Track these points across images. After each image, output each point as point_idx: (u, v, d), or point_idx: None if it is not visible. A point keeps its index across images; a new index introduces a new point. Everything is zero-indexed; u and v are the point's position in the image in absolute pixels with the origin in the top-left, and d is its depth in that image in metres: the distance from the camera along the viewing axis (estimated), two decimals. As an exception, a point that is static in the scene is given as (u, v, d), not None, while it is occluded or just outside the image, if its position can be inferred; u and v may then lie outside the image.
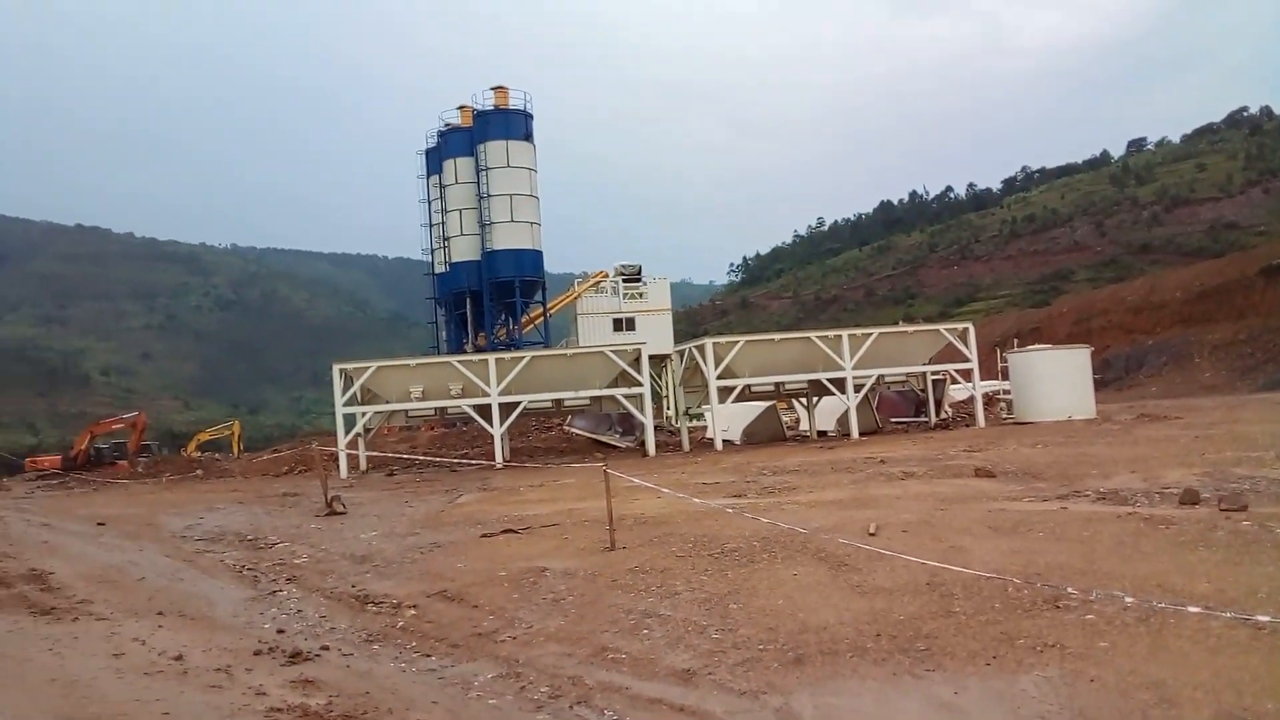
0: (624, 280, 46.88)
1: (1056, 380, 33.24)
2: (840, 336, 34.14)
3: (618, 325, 45.82)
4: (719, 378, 32.98)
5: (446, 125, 53.77)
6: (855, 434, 33.35)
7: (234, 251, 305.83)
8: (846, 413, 34.26)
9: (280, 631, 9.61)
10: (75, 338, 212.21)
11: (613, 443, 37.99)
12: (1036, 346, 39.39)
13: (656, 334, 43.44)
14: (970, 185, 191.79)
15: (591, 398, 34.05)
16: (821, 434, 37.60)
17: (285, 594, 11.50)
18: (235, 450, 61.15)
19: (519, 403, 32.36)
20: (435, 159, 54.07)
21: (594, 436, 38.94)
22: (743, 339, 34.42)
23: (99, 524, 19.99)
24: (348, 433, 32.92)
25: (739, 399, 34.75)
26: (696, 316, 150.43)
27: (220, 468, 42.86)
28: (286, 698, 7.42)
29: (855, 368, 33.60)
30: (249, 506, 22.66)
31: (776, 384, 35.63)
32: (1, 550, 16.36)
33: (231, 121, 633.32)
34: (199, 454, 58.62)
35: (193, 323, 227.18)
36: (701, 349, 33.82)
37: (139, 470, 46.28)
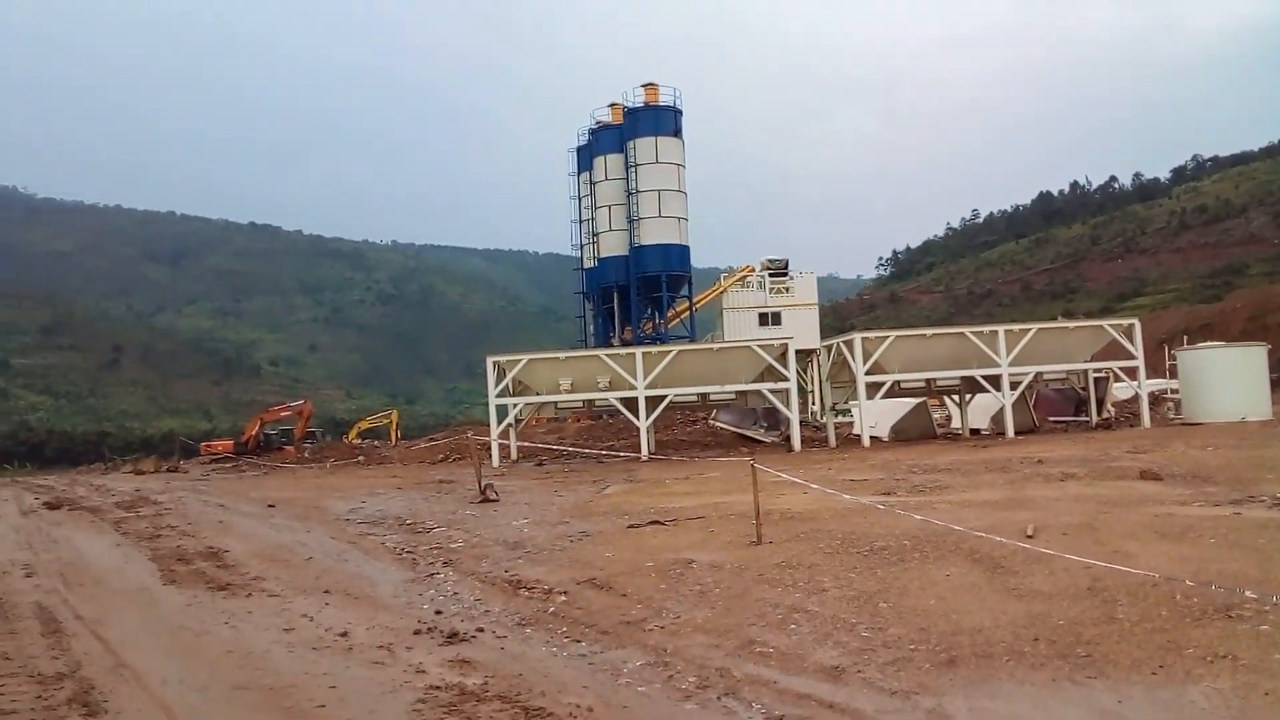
0: (770, 275, 46.48)
1: (1230, 379, 31.43)
2: (996, 332, 33.12)
3: (763, 320, 45.46)
4: (867, 373, 32.44)
5: (597, 123, 54.47)
6: (1010, 433, 32.31)
7: (394, 248, 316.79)
8: (1001, 411, 33.22)
9: (438, 613, 9.95)
10: (248, 329, 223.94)
11: (758, 437, 37.81)
12: (1209, 344, 37.33)
13: (802, 329, 42.94)
14: (1136, 175, 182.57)
15: (737, 392, 33.96)
16: (974, 432, 36.55)
17: (442, 577, 11.89)
18: (393, 438, 63.40)
19: (665, 396, 32.53)
20: (586, 156, 54.82)
21: (739, 431, 38.81)
22: (893, 334, 33.75)
23: (269, 506, 21.09)
24: (500, 423, 33.73)
25: (887, 395, 34.11)
26: (843, 311, 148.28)
27: (380, 455, 44.54)
28: (445, 676, 7.69)
29: (1012, 364, 32.54)
30: (407, 492, 23.50)
31: (927, 380, 34.82)
32: (181, 529, 17.46)
33: (392, 127, 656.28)
34: (360, 441, 61.02)
35: (355, 316, 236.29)
36: (850, 344, 33.34)
37: (304, 455, 48.55)
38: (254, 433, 56.21)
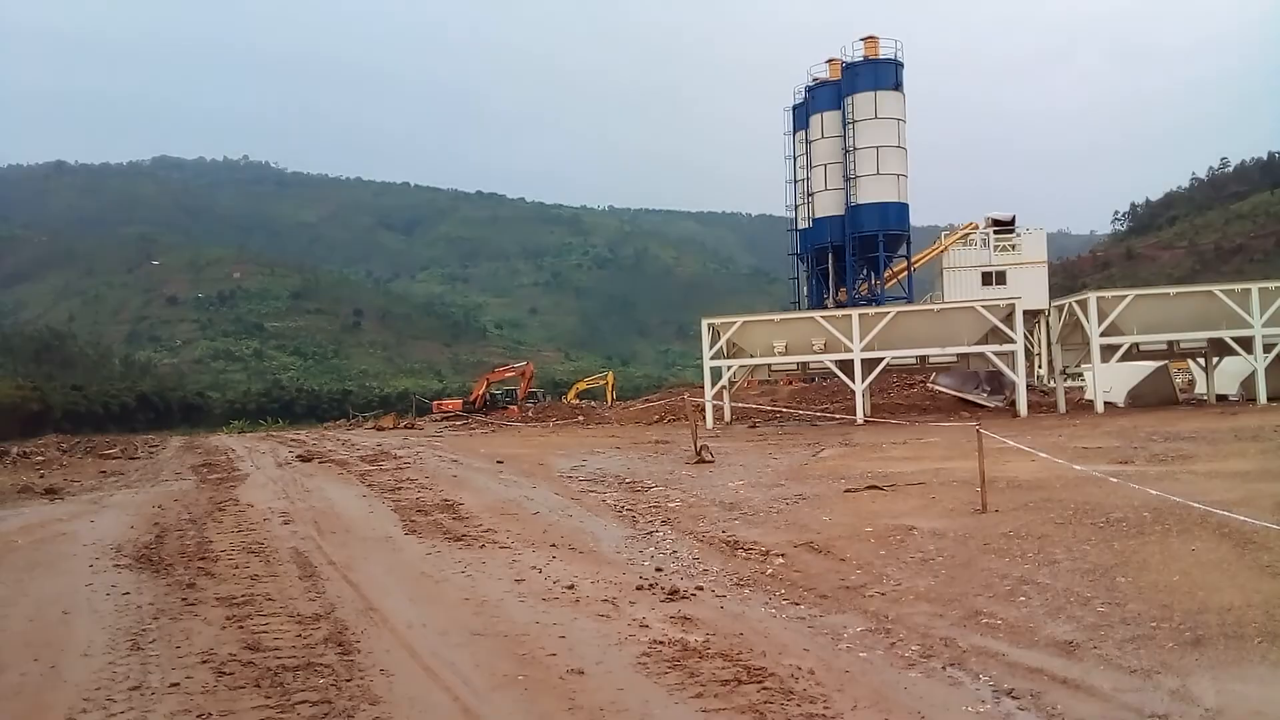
0: (995, 232, 44.60)
1: None
2: (1249, 290, 30.65)
3: (986, 279, 43.76)
4: (1102, 335, 30.74)
5: (814, 80, 53.52)
6: (1263, 399, 29.88)
7: (610, 213, 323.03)
8: (1253, 375, 30.75)
9: (658, 570, 10.18)
10: (475, 294, 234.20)
11: (980, 402, 36.54)
12: None
13: (1030, 288, 41.10)
14: None
15: (959, 354, 32.97)
16: (1221, 398, 34.03)
17: (661, 535, 12.14)
18: (609, 399, 64.89)
19: (882, 359, 31.91)
20: (802, 115, 54.03)
21: (960, 395, 37.61)
22: (1132, 292, 31.78)
23: (498, 462, 22.08)
24: (713, 385, 33.99)
25: (1124, 358, 32.22)
26: (1074, 269, 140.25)
27: (598, 415, 45.73)
28: (667, 631, 7.87)
29: (1267, 325, 30.03)
30: (625, 452, 24.07)
31: (1170, 343, 32.66)
32: (419, 482, 18.53)
33: (610, 90, 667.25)
34: (578, 401, 62.81)
35: (573, 280, 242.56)
36: (1083, 304, 31.71)
37: (527, 415, 50.39)
38: (481, 392, 58.74)
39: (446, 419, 54.58)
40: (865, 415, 31.86)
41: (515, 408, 56.51)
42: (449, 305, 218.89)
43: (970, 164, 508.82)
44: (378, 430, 45.70)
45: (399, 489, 17.52)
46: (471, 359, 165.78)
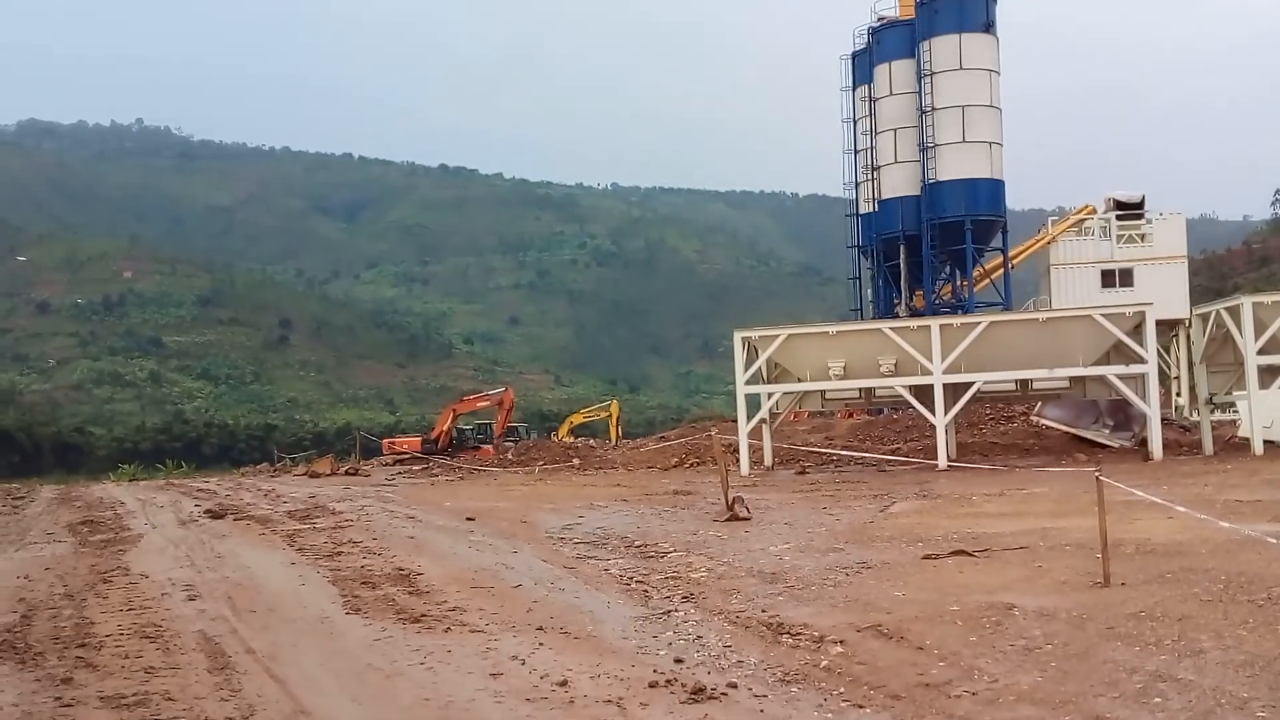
0: (1118, 217, 44.58)
1: None
2: None
3: (1108, 280, 43.66)
4: (1260, 352, 30.71)
5: (879, 19, 53.81)
6: None
7: (614, 193, 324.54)
8: None
9: (678, 660, 10.16)
10: (437, 299, 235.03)
11: (1100, 440, 36.54)
12: None
13: (1165, 291, 40.95)
14: None
15: (1071, 378, 33.00)
16: None
17: (681, 614, 12.12)
18: (613, 436, 64.80)
19: (971, 384, 31.90)
20: (864, 65, 54.31)
21: (1073, 431, 37.62)
22: (1298, 297, 31.80)
23: (468, 519, 22.08)
24: (750, 418, 33.96)
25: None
26: (1222, 266, 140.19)
27: (599, 457, 45.72)
28: (690, 744, 7.86)
29: None
30: (634, 505, 24.07)
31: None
32: (365, 545, 18.55)
33: (616, 29, 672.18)
34: (573, 439, 62.79)
35: (566, 280, 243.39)
36: (1235, 311, 31.74)
37: (506, 456, 50.42)
38: (445, 428, 58.75)
39: (401, 462, 54.61)
40: (949, 458, 31.78)
41: (490, 448, 56.50)
42: (404, 314, 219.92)
43: (1087, 126, 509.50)
44: (311, 477, 45.75)
45: (338, 554, 17.54)
46: (433, 384, 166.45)
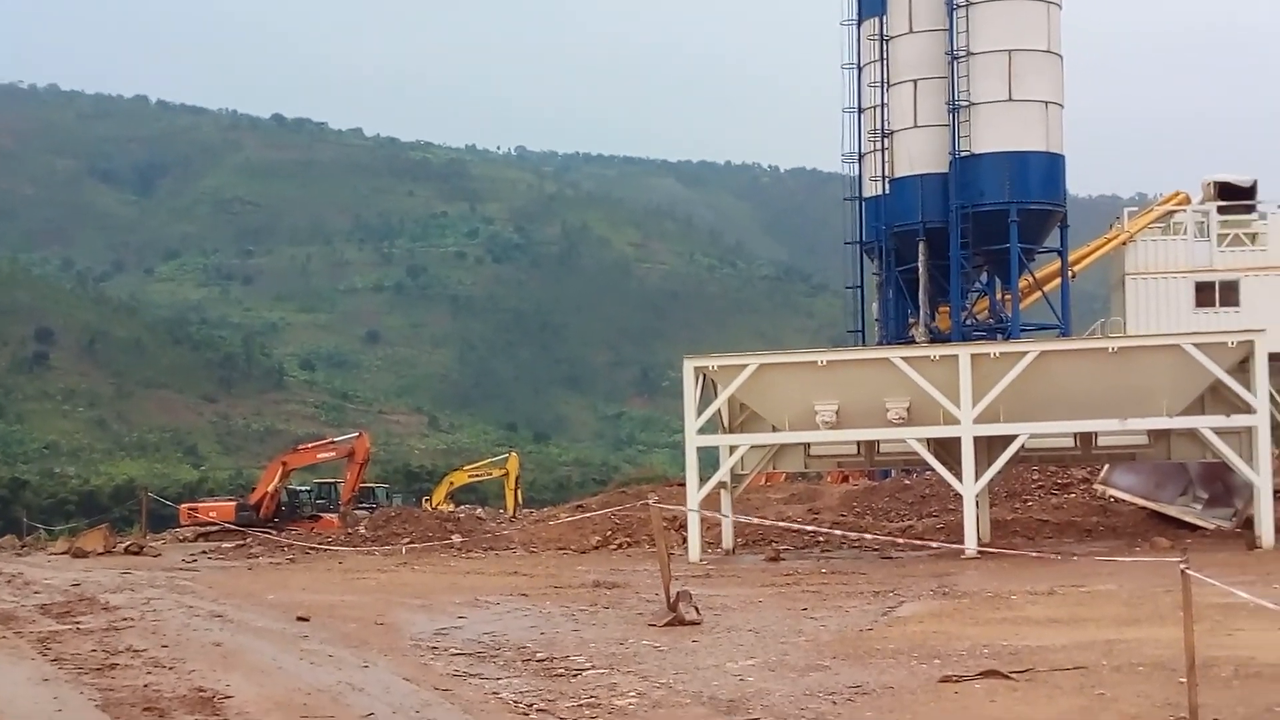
0: (1221, 209, 45.39)
1: None
2: None
3: (1205, 295, 44.47)
4: None
5: (894, -70, 54.41)
6: None
7: (519, 160, 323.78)
8: None
9: (593, 827, 10.15)
10: (264, 305, 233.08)
11: (1189, 519, 36.87)
12: None
13: (1283, 312, 41.67)
14: None
15: (1150, 432, 33.22)
16: None
17: (601, 760, 12.10)
18: (510, 503, 64.70)
19: (1013, 437, 32.08)
20: (873, -9, 54.81)
21: (1153, 506, 37.94)
22: None
23: (300, 619, 21.90)
24: (704, 481, 33.96)
25: None
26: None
27: (489, 533, 45.52)
28: None
29: None
30: (537, 602, 23.96)
31: None
32: (152, 655, 18.34)
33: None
34: (453, 507, 62.54)
35: (449, 282, 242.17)
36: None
37: (358, 530, 50.09)
38: (272, 489, 58.38)
39: (207, 537, 54.17)
40: (981, 541, 31.95)
41: (335, 518, 56.22)
42: (216, 325, 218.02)
43: (1185, 82, 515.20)
44: (76, 557, 45.22)
45: (112, 668, 17.34)
46: (256, 426, 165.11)
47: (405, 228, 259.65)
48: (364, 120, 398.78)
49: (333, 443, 63.82)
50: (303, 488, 60.33)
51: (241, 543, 48.84)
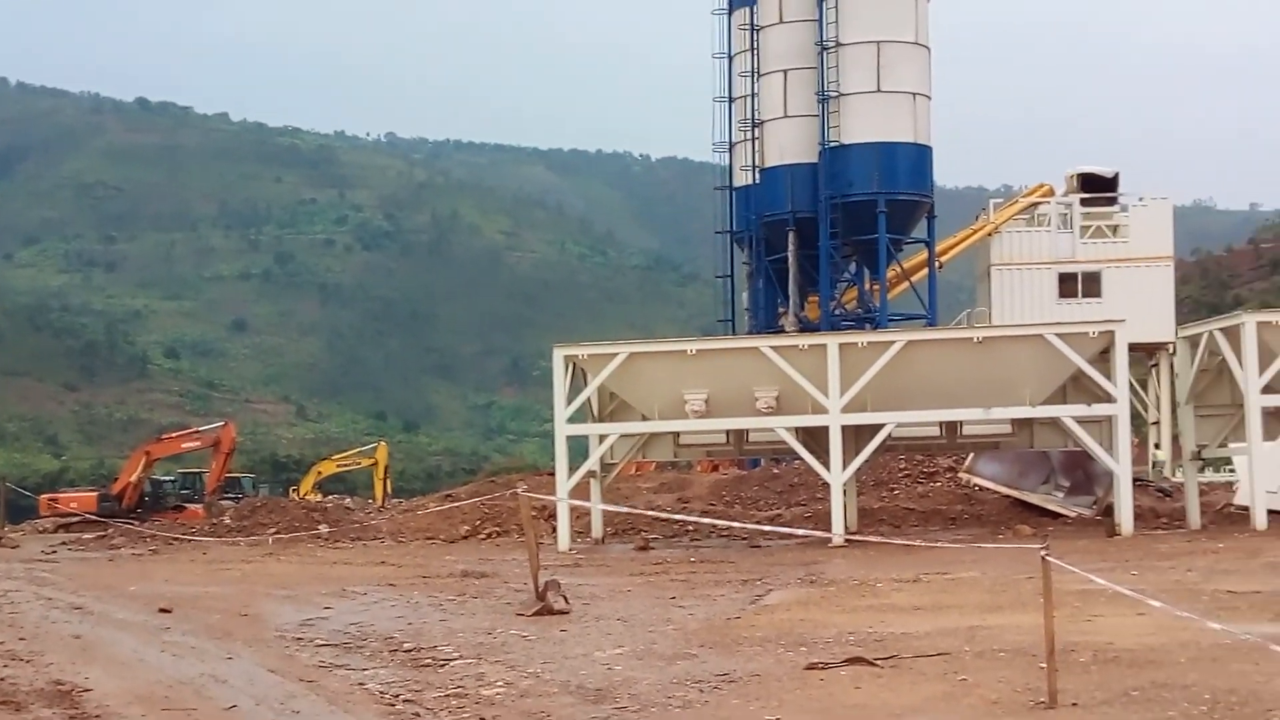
0: (1084, 202, 45.89)
1: None
2: None
3: (1068, 286, 44.92)
4: (1265, 390, 31.72)
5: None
6: None
7: (389, 146, 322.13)
8: None
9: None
10: (127, 292, 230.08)
11: (1051, 507, 37.34)
12: None
13: (1143, 304, 42.26)
14: None
15: (1014, 421, 33.59)
16: None
17: (467, 750, 12.07)
18: (379, 493, 64.38)
19: (880, 426, 32.31)
20: (741, -22, 54.94)
21: (1016, 494, 38.38)
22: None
23: (162, 610, 21.66)
24: (573, 470, 33.95)
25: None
26: (1219, 271, 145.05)
27: (357, 523, 45.28)
28: None
29: None
30: (405, 592, 23.95)
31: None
32: (9, 648, 18.05)
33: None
34: (320, 497, 62.14)
35: (317, 269, 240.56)
36: (1233, 334, 32.65)
37: (223, 521, 49.63)
38: (135, 479, 57.71)
39: (67, 528, 53.42)
40: (848, 529, 32.14)
41: (199, 508, 55.67)
42: (76, 313, 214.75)
43: (1045, 76, 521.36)
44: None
45: (-32, 660, 17.07)
46: (118, 414, 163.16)
47: (273, 214, 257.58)
48: (230, 104, 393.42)
49: (198, 432, 63.25)
50: (167, 478, 59.72)
51: (103, 534, 48.23)
